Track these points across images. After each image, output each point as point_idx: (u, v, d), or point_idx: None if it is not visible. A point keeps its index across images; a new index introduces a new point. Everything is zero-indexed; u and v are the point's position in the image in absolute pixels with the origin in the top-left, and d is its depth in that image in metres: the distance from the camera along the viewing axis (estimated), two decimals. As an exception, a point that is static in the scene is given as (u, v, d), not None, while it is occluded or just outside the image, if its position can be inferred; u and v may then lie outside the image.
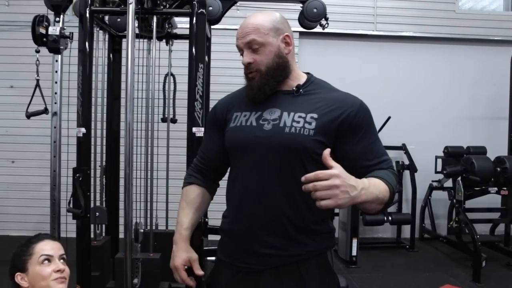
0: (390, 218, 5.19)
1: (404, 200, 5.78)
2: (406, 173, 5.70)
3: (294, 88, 1.49)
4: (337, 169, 1.21)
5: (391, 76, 5.99)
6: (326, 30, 5.76)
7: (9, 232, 5.32)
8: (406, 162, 5.65)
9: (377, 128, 5.58)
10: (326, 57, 6.00)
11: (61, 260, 1.63)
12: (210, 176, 1.66)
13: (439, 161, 5.42)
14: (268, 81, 1.46)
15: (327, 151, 1.24)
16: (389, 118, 5.47)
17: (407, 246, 5.41)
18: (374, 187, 1.30)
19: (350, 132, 1.42)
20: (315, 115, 1.41)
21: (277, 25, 1.46)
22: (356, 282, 4.18)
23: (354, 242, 4.68)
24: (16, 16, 5.26)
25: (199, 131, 2.66)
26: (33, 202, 5.38)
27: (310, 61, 5.93)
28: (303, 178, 1.20)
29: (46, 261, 1.58)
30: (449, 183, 5.35)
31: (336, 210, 5.37)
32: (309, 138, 1.39)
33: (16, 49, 5.28)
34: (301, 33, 5.47)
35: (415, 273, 4.49)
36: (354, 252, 4.68)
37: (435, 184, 5.57)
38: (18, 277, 1.58)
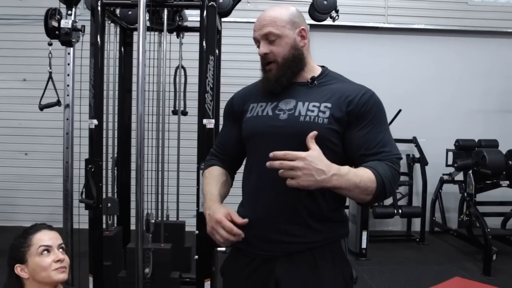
0: (400, 211, 5.18)
1: (415, 193, 5.77)
2: (417, 166, 5.68)
3: (309, 80, 1.52)
4: (312, 152, 1.28)
5: (402, 69, 5.96)
6: (336, 23, 5.76)
7: (23, 223, 5.32)
8: (417, 155, 5.63)
9: (388, 120, 5.59)
10: (336, 50, 5.96)
11: (60, 250, 1.62)
12: (228, 165, 1.68)
13: (450, 154, 5.39)
14: (285, 72, 1.49)
15: (311, 134, 1.32)
16: (399, 111, 5.45)
17: (417, 239, 5.40)
18: (354, 175, 1.34)
19: (356, 120, 1.45)
20: (329, 105, 1.45)
21: (293, 19, 1.50)
22: (366, 274, 4.19)
23: (364, 234, 4.68)
24: (28, 10, 5.31)
25: (209, 123, 2.68)
26: (46, 193, 5.45)
27: (320, 54, 5.86)
28: (271, 154, 1.28)
29: (46, 252, 1.57)
30: (460, 177, 5.33)
31: (346, 203, 5.37)
32: (323, 127, 1.42)
33: (28, 42, 5.34)
34: (311, 25, 5.42)
35: (425, 266, 4.48)
36: (364, 245, 4.69)
37: (446, 177, 5.55)
38: (18, 269, 1.58)
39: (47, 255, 1.57)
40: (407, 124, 5.71)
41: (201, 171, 2.56)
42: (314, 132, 1.32)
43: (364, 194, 1.37)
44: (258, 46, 1.52)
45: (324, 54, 5.89)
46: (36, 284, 1.57)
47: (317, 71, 1.56)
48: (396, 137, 5.59)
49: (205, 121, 2.66)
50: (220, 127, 3.16)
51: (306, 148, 1.36)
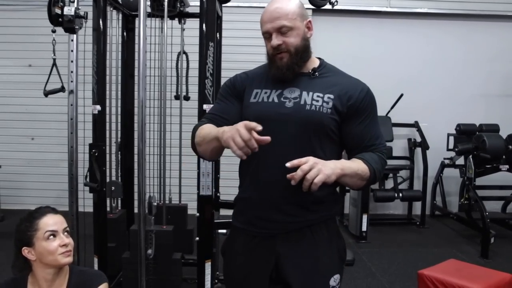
0: (400, 194, 5.24)
1: (416, 177, 5.82)
2: (418, 150, 5.71)
3: (310, 71, 1.60)
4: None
5: (404, 53, 5.96)
6: (339, 7, 5.73)
7: (30, 206, 5.37)
8: (418, 139, 5.67)
9: (390, 105, 5.58)
10: (339, 34, 5.97)
11: (65, 233, 1.66)
12: None
13: (451, 138, 5.42)
14: (297, 61, 1.56)
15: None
16: (401, 95, 5.49)
17: (418, 223, 5.47)
18: (351, 163, 1.51)
19: (355, 115, 1.56)
20: (332, 96, 1.54)
21: (302, 11, 1.57)
22: (365, 257, 4.27)
23: (364, 217, 4.75)
24: (32, -4, 5.36)
25: (209, 108, 2.73)
26: (52, 177, 5.55)
27: (323, 38, 5.91)
28: (288, 164, 1.36)
29: (52, 237, 1.61)
30: (461, 161, 5.37)
31: (347, 187, 5.44)
32: (327, 116, 1.52)
33: (34, 28, 5.38)
34: (313, 10, 5.44)
35: (424, 249, 4.56)
36: (364, 228, 4.76)
37: (447, 161, 5.59)
38: (25, 251, 1.62)
39: (53, 239, 1.61)
40: (409, 108, 5.74)
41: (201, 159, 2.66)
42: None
43: (360, 180, 1.52)
44: (268, 37, 1.56)
45: (327, 38, 5.93)
46: (43, 265, 1.63)
47: (317, 62, 1.64)
48: (398, 121, 5.64)
49: (205, 106, 2.71)
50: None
51: (310, 135, 1.51)
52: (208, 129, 1.54)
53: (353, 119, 1.55)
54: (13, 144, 5.83)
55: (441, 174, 5.69)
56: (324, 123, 1.51)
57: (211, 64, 2.71)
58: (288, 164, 1.36)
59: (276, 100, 1.57)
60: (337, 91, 1.55)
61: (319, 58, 1.67)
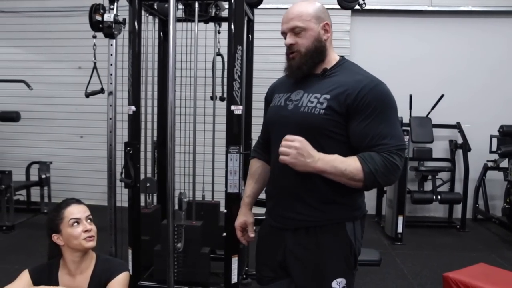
0: (439, 197, 5.15)
1: (457, 179, 5.67)
2: (459, 152, 5.58)
3: (321, 72, 1.64)
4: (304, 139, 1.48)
5: (446, 52, 5.83)
6: (380, 7, 5.78)
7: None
8: (460, 141, 5.53)
9: (430, 106, 5.46)
10: (378, 34, 5.93)
11: (88, 221, 1.85)
12: (268, 148, 1.84)
13: (494, 140, 5.26)
14: (307, 61, 1.62)
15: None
16: (442, 96, 5.38)
17: (458, 226, 5.34)
18: (341, 163, 1.50)
19: (356, 113, 1.53)
20: (328, 96, 1.55)
21: (318, 14, 1.62)
22: (399, 259, 4.24)
23: (400, 219, 4.70)
24: (82, 2, 5.64)
25: (237, 109, 2.84)
26: (99, 174, 5.83)
27: (362, 39, 5.91)
28: (286, 137, 1.50)
29: (76, 223, 1.81)
30: (505, 163, 5.21)
31: (384, 188, 5.40)
32: (319, 117, 1.54)
33: (83, 32, 5.63)
34: (353, 10, 5.44)
35: (461, 253, 4.46)
36: (399, 229, 4.71)
37: (490, 164, 5.43)
38: (55, 237, 1.83)
39: (77, 226, 1.81)
40: (451, 109, 5.64)
41: (229, 154, 2.79)
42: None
43: (353, 181, 1.51)
44: (285, 38, 1.65)
45: (366, 39, 5.91)
46: (70, 249, 1.83)
47: (333, 62, 1.66)
48: (439, 122, 5.54)
49: (233, 107, 2.82)
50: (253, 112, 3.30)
51: (306, 136, 1.52)
52: (246, 184, 1.92)
53: (355, 118, 1.53)
54: (63, 141, 6.21)
55: (484, 177, 5.53)
56: (315, 124, 1.54)
57: (239, 67, 2.81)
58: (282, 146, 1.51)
59: (282, 103, 1.67)
60: (336, 91, 1.55)
61: (342, 57, 1.70)
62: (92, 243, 1.83)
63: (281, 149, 1.49)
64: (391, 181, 1.54)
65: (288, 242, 1.66)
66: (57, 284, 1.85)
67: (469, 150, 5.40)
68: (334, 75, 1.62)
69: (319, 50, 1.62)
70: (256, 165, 1.90)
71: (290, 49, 1.64)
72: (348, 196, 1.61)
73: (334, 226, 1.61)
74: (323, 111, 1.54)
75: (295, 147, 1.47)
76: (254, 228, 1.86)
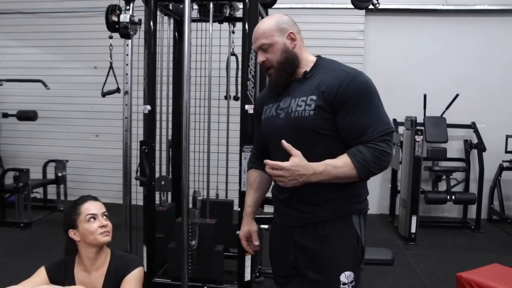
0: (453, 197, 5.12)
1: (472, 180, 5.63)
2: (474, 152, 5.54)
3: (302, 75, 1.70)
4: (294, 159, 1.52)
5: (460, 52, 5.80)
6: (394, 6, 5.77)
7: None
8: (475, 141, 5.50)
9: (445, 105, 5.43)
10: (393, 34, 5.92)
11: (104, 217, 1.89)
12: (263, 158, 1.85)
13: (510, 140, 5.21)
14: (281, 74, 1.70)
15: (285, 143, 1.55)
16: (457, 95, 5.35)
17: (472, 227, 5.30)
18: (333, 168, 1.55)
19: (340, 108, 1.58)
20: (314, 97, 1.62)
21: (281, 26, 1.69)
22: (412, 258, 4.23)
23: (413, 219, 4.69)
24: (97, 3, 5.72)
25: (251, 109, 2.86)
26: (114, 172, 5.88)
27: (376, 38, 5.90)
28: (264, 161, 1.57)
29: (92, 219, 1.85)
30: (522, 164, 5.17)
31: (398, 188, 5.39)
32: (309, 118, 1.61)
33: (99, 33, 5.71)
34: (367, 10, 5.43)
35: (476, 254, 4.43)
36: (413, 229, 4.69)
37: (505, 164, 5.38)
38: (71, 233, 1.87)
39: (93, 221, 1.85)
40: (466, 108, 5.61)
41: (243, 153, 2.82)
42: (286, 144, 1.54)
43: (349, 179, 1.58)
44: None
45: (380, 38, 5.90)
46: (86, 245, 1.87)
47: (311, 63, 1.72)
48: (453, 122, 5.50)
49: (247, 106, 2.85)
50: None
51: (301, 140, 1.60)
52: (246, 194, 1.98)
53: (340, 113, 1.58)
54: (79, 140, 6.31)
55: (499, 177, 5.48)
56: (308, 126, 1.60)
57: (253, 67, 2.83)
58: (264, 161, 1.57)
59: (274, 113, 1.75)
60: (319, 90, 1.60)
61: (318, 56, 1.75)
62: (108, 238, 1.87)
63: (275, 178, 1.57)
64: (383, 167, 1.59)
65: (297, 238, 1.71)
66: (73, 280, 1.89)
67: (484, 150, 5.36)
68: (315, 76, 1.68)
69: (290, 60, 1.68)
70: (254, 175, 1.95)
71: (264, 66, 1.72)
72: (351, 188, 1.66)
73: (341, 219, 1.67)
74: (313, 112, 1.60)
75: (284, 176, 1.53)
76: (257, 237, 1.94)
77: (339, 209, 1.66)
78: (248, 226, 1.94)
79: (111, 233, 1.89)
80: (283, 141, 1.55)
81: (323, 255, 1.65)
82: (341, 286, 1.63)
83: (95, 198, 1.94)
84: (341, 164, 1.56)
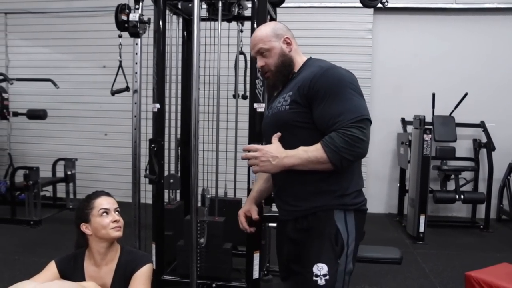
0: (462, 196, 5.10)
1: (481, 179, 5.60)
2: (483, 151, 5.51)
3: (290, 76, 1.83)
4: (270, 145, 1.66)
5: (469, 50, 5.77)
6: (402, 5, 5.74)
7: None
8: (484, 140, 5.46)
9: (454, 104, 5.39)
10: (401, 33, 5.89)
11: (116, 212, 1.93)
12: None
13: (520, 139, 5.19)
14: (278, 77, 1.82)
15: (275, 135, 1.69)
16: (466, 94, 5.32)
17: (481, 227, 5.27)
18: (303, 152, 1.63)
19: (313, 99, 1.66)
20: (291, 93, 1.73)
21: (277, 32, 1.81)
22: (420, 258, 4.21)
23: (422, 218, 4.67)
24: (106, 2, 5.76)
25: (259, 107, 2.87)
26: (123, 170, 5.93)
27: (384, 37, 5.88)
28: (243, 148, 1.68)
29: (105, 214, 1.89)
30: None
31: (406, 187, 5.38)
32: (286, 113, 1.72)
33: (108, 32, 5.76)
34: (375, 8, 5.42)
35: (485, 253, 4.40)
36: (421, 229, 4.68)
37: (515, 163, 5.35)
38: (83, 227, 1.90)
39: (106, 216, 1.89)
40: (475, 107, 5.58)
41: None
42: (278, 134, 1.69)
43: (322, 164, 1.61)
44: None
45: (388, 37, 5.89)
46: (98, 239, 1.90)
47: (300, 65, 1.83)
48: (462, 121, 5.47)
49: (255, 105, 2.86)
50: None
51: (284, 133, 1.71)
52: (256, 183, 2.08)
53: (314, 105, 1.65)
54: (88, 139, 6.35)
55: (509, 177, 5.45)
56: (285, 120, 1.71)
57: (261, 65, 2.84)
58: (243, 148, 1.69)
59: (267, 112, 1.90)
60: (296, 87, 1.70)
61: (309, 58, 1.85)
62: (119, 233, 1.91)
63: (249, 161, 1.64)
64: (356, 153, 1.59)
65: (288, 232, 1.79)
66: (83, 274, 1.92)
67: (494, 149, 5.32)
68: (298, 75, 1.79)
69: (286, 63, 1.80)
70: None
71: (262, 70, 1.84)
72: (334, 181, 1.69)
73: (323, 212, 1.71)
74: (288, 107, 1.71)
75: (256, 157, 1.62)
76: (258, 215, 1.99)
77: (321, 203, 1.70)
78: (248, 206, 2.00)
79: (122, 229, 1.93)
80: (274, 136, 1.69)
81: (302, 246, 1.73)
82: (314, 278, 1.66)
83: (108, 194, 1.98)
84: (312, 149, 1.62)
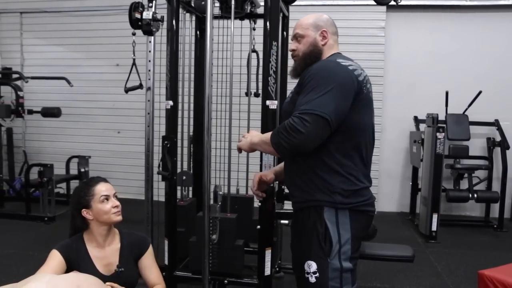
0: (475, 195, 5.06)
1: (495, 178, 5.55)
2: (497, 150, 5.45)
3: None
4: (252, 131, 1.95)
5: (483, 48, 5.72)
6: (415, 3, 5.70)
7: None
8: (498, 138, 5.41)
9: (467, 103, 5.36)
10: (414, 30, 5.86)
11: (115, 197, 2.05)
12: None
13: (535, 138, 5.12)
14: (300, 63, 1.90)
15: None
16: (480, 92, 5.28)
17: (495, 226, 5.23)
18: (264, 135, 1.83)
19: (302, 90, 1.75)
20: (295, 86, 1.85)
21: (318, 22, 1.89)
22: (433, 256, 4.19)
23: (434, 217, 4.65)
24: (120, 1, 5.83)
25: (272, 104, 2.87)
26: (136, 168, 6.02)
27: (397, 35, 5.86)
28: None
29: (105, 200, 2.00)
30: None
31: (419, 186, 5.34)
32: (286, 104, 1.92)
33: (121, 30, 5.83)
34: (388, 6, 5.39)
35: (498, 252, 4.37)
36: (434, 227, 4.66)
37: (530, 162, 5.29)
38: (84, 212, 2.00)
39: (107, 202, 2.01)
40: (489, 106, 5.53)
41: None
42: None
43: (268, 146, 1.74)
44: None
45: (401, 35, 5.86)
46: (99, 223, 2.02)
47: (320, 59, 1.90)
48: (476, 119, 5.44)
49: (268, 102, 2.85)
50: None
51: (284, 120, 1.77)
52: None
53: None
54: (101, 137, 6.41)
55: (523, 176, 5.39)
56: (286, 109, 1.89)
57: (274, 63, 2.84)
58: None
59: (287, 98, 2.01)
60: (299, 81, 1.81)
61: (333, 54, 1.89)
62: (120, 217, 2.04)
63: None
64: (291, 142, 1.62)
65: (295, 220, 1.92)
66: (89, 257, 2.01)
67: (508, 148, 5.27)
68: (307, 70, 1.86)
69: (313, 54, 1.87)
70: None
71: (292, 54, 1.95)
72: (325, 179, 1.73)
73: (314, 208, 1.75)
74: (289, 98, 1.90)
75: (241, 139, 1.94)
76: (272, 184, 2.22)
77: (309, 197, 1.77)
78: (267, 172, 2.22)
79: (121, 212, 2.06)
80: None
81: (296, 242, 1.83)
82: (305, 275, 1.70)
83: (105, 180, 2.09)
84: (268, 132, 1.80)
